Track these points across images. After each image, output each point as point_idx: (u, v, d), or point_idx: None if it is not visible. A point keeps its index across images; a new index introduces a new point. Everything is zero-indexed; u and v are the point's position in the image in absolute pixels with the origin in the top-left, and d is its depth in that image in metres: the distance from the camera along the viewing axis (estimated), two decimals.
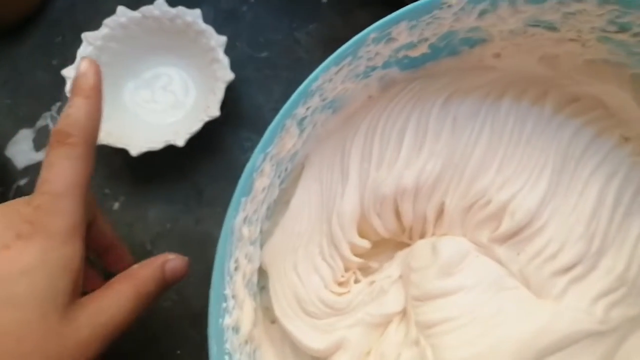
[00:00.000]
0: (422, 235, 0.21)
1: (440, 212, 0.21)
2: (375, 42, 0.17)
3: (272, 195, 0.19)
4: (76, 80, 0.18)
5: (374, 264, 0.21)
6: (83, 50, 0.26)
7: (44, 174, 0.17)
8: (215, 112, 0.25)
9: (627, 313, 0.18)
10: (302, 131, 0.19)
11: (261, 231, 0.19)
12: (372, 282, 0.21)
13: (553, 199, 0.20)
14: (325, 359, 0.19)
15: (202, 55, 0.26)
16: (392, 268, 0.21)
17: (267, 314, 0.20)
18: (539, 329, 0.18)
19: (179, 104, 0.27)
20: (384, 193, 0.20)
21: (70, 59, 0.26)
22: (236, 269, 0.17)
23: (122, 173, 0.27)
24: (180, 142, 0.24)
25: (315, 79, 0.17)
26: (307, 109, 0.18)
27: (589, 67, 0.19)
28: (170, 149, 0.24)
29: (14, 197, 0.27)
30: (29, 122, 0.28)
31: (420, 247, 0.20)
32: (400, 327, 0.20)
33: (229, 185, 0.16)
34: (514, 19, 0.18)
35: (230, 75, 0.25)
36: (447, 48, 0.20)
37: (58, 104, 0.28)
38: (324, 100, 0.18)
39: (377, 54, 0.18)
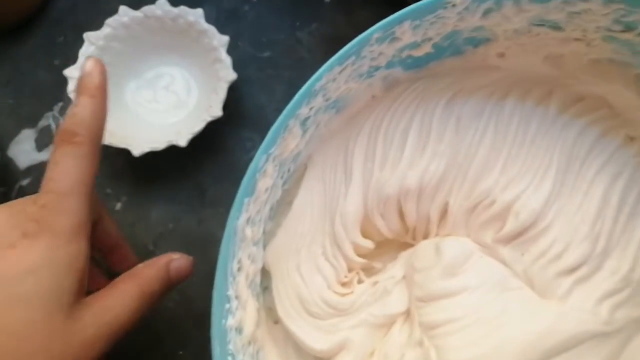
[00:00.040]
0: (425, 236, 0.21)
1: (444, 213, 0.21)
2: (379, 42, 0.17)
3: (274, 196, 0.19)
4: (82, 79, 0.18)
5: (377, 265, 0.21)
6: (85, 50, 0.26)
7: (49, 172, 0.17)
8: (217, 112, 0.25)
9: (632, 314, 0.18)
10: (305, 131, 0.19)
11: (264, 232, 0.19)
12: (375, 283, 0.21)
13: (558, 199, 0.19)
14: None
15: (205, 55, 0.26)
16: (395, 268, 0.21)
17: (270, 315, 0.20)
18: (543, 330, 0.18)
19: (181, 103, 0.27)
20: (387, 193, 0.20)
21: (72, 59, 0.26)
22: (239, 269, 0.17)
23: (124, 173, 0.27)
24: (182, 142, 0.24)
25: (319, 78, 0.17)
26: (311, 109, 0.18)
27: (593, 67, 0.19)
28: (172, 149, 0.24)
29: (16, 198, 0.27)
30: (31, 122, 0.28)
31: (424, 247, 0.20)
32: (404, 327, 0.20)
33: (231, 185, 0.16)
34: (519, 18, 0.18)
35: (232, 75, 0.25)
36: (450, 48, 0.20)
37: (60, 104, 0.28)
38: (327, 100, 0.18)
39: (380, 53, 0.18)
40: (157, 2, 0.26)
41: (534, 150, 0.20)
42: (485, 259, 0.20)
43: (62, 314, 0.16)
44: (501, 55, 0.20)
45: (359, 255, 0.21)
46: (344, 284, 0.21)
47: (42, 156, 0.28)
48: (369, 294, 0.20)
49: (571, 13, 0.17)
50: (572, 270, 0.19)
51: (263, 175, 0.17)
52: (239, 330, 0.17)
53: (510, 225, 0.19)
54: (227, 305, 0.16)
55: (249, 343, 0.18)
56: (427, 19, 0.17)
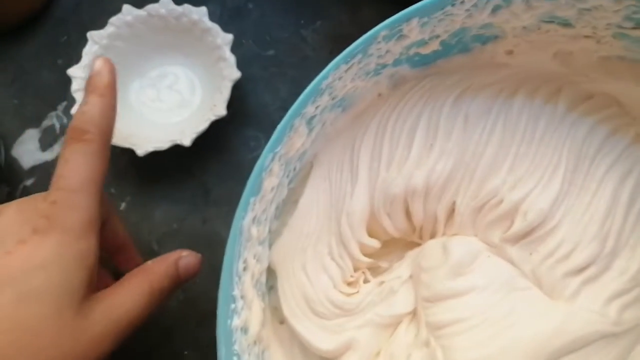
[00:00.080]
0: (432, 235, 0.21)
1: (451, 212, 0.21)
2: (386, 40, 0.17)
3: (280, 195, 0.19)
4: (91, 78, 0.18)
5: (383, 264, 0.21)
6: (88, 50, 0.26)
7: (59, 169, 0.17)
8: (221, 111, 0.25)
9: None
10: (311, 130, 0.18)
11: (270, 231, 0.19)
12: (381, 282, 0.20)
13: (566, 198, 0.19)
14: None
15: (208, 54, 0.26)
16: (402, 268, 0.21)
17: (276, 314, 0.20)
18: (551, 330, 0.18)
19: (186, 102, 0.27)
20: (394, 193, 0.20)
21: (75, 59, 0.26)
22: (245, 269, 0.17)
23: (128, 173, 0.27)
24: (186, 141, 0.24)
25: (325, 77, 0.17)
26: (317, 107, 0.18)
27: (603, 64, 0.19)
28: (176, 149, 0.24)
29: (20, 197, 0.27)
30: (35, 122, 0.28)
31: (431, 247, 0.20)
32: (410, 327, 0.20)
33: (235, 184, 0.16)
34: (528, 15, 0.17)
35: (236, 74, 0.25)
36: (458, 45, 0.19)
37: (64, 103, 0.28)
38: (333, 98, 0.18)
39: (387, 51, 0.18)
40: (160, 1, 0.26)
41: (543, 148, 0.20)
42: (493, 259, 0.20)
43: (72, 310, 0.16)
44: (510, 52, 0.20)
45: (365, 255, 0.20)
46: (350, 284, 0.20)
47: (46, 156, 0.28)
48: (375, 294, 0.20)
49: (581, 10, 0.17)
50: (581, 270, 0.19)
51: (269, 174, 0.17)
52: (245, 330, 0.17)
53: (518, 225, 0.19)
54: (233, 306, 0.16)
55: (255, 343, 0.17)
56: (435, 16, 0.17)
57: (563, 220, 0.19)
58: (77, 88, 0.25)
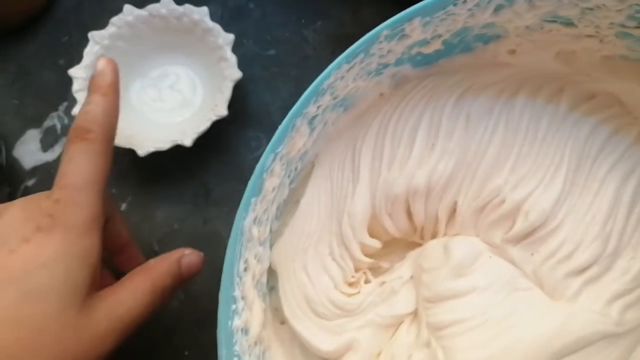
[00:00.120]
0: (434, 235, 0.21)
1: (452, 212, 0.21)
2: (388, 39, 0.17)
3: (282, 195, 0.19)
4: (94, 78, 0.18)
5: (384, 264, 0.21)
6: (90, 50, 0.26)
7: (62, 168, 0.17)
8: (223, 111, 0.25)
9: None
10: (312, 130, 0.18)
11: (271, 231, 0.19)
12: (382, 283, 0.20)
13: (568, 198, 0.19)
14: None
15: (210, 54, 0.26)
16: (403, 268, 0.21)
17: (277, 315, 0.20)
18: (552, 331, 0.18)
19: (187, 103, 0.27)
20: (395, 193, 0.20)
21: (77, 59, 0.26)
22: (245, 269, 0.17)
23: (129, 173, 0.27)
24: (187, 142, 0.24)
25: (327, 77, 0.16)
26: (318, 107, 0.18)
27: (606, 64, 0.19)
28: (177, 149, 0.24)
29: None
30: (36, 123, 0.28)
31: (432, 247, 0.20)
32: (411, 328, 0.19)
33: (237, 184, 0.16)
34: (531, 15, 0.17)
35: (237, 74, 0.25)
36: (461, 44, 0.19)
37: (65, 103, 0.28)
38: (335, 98, 0.18)
39: (389, 51, 0.18)
40: (162, 1, 0.26)
41: (545, 148, 0.20)
42: (494, 259, 0.19)
43: (75, 308, 0.16)
44: (512, 52, 0.20)
45: (366, 255, 0.20)
46: (351, 284, 0.20)
47: (48, 156, 0.28)
48: (376, 294, 0.20)
49: (584, 9, 0.17)
50: (582, 270, 0.19)
51: (270, 174, 0.17)
52: (245, 331, 0.17)
53: (520, 225, 0.19)
54: (234, 306, 0.16)
55: (255, 344, 0.17)
56: (437, 15, 0.17)
57: (565, 220, 0.19)
58: (78, 88, 0.25)
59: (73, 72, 0.25)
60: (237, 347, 0.16)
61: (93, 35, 0.26)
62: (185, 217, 0.26)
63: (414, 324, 0.20)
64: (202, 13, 0.25)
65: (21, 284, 0.15)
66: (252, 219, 0.17)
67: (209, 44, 0.26)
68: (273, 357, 0.19)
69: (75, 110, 0.25)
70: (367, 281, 0.21)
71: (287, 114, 0.16)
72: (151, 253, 0.26)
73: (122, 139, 0.24)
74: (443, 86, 0.20)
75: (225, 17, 0.28)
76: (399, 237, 0.21)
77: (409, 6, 0.16)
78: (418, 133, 0.20)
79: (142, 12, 0.26)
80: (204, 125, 0.24)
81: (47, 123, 0.28)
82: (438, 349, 0.18)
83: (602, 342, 0.18)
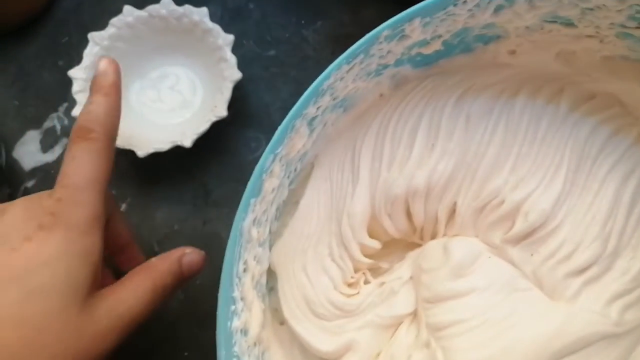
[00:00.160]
0: (433, 236, 0.21)
1: (452, 213, 0.21)
2: (388, 40, 0.17)
3: (281, 196, 0.19)
4: (96, 78, 0.18)
5: (384, 265, 0.21)
6: (89, 51, 0.26)
7: (65, 167, 0.17)
8: (222, 112, 0.24)
9: None
10: (312, 131, 0.18)
11: (270, 232, 0.19)
12: (382, 283, 0.20)
13: (568, 198, 0.19)
14: None
15: (209, 54, 0.26)
16: (402, 269, 0.21)
17: (276, 316, 0.20)
18: (552, 331, 0.18)
19: (187, 103, 0.27)
20: (395, 193, 0.20)
21: (76, 60, 0.26)
22: (245, 271, 0.17)
23: (128, 174, 0.27)
24: (187, 142, 0.24)
25: (327, 77, 0.16)
26: (318, 108, 0.18)
27: (606, 64, 0.19)
28: (177, 150, 0.24)
29: None
30: (36, 124, 0.28)
31: (432, 247, 0.20)
32: (411, 329, 0.19)
33: (236, 185, 0.16)
34: (531, 15, 0.17)
35: (237, 75, 0.25)
36: (461, 45, 0.19)
37: (65, 104, 0.28)
38: (334, 99, 0.18)
39: (389, 51, 0.18)
40: (161, 2, 0.26)
41: (545, 148, 0.20)
42: (494, 260, 0.19)
43: (76, 307, 0.16)
44: (512, 52, 0.20)
45: (366, 256, 0.20)
46: (350, 285, 0.20)
47: (47, 157, 0.28)
48: (375, 295, 0.20)
49: (585, 9, 0.17)
50: (582, 270, 0.19)
51: (270, 175, 0.17)
52: (245, 331, 0.17)
53: (520, 226, 0.19)
54: (233, 307, 0.16)
55: (255, 344, 0.17)
56: (438, 16, 0.17)
57: (565, 220, 0.19)
58: (78, 89, 0.25)
59: (73, 73, 0.25)
60: (236, 348, 0.16)
61: (93, 36, 0.26)
62: (185, 218, 0.26)
63: (414, 325, 0.19)
64: (201, 14, 0.25)
65: (23, 282, 0.16)
66: (251, 220, 0.17)
67: (209, 45, 0.26)
68: (272, 358, 0.19)
69: (75, 111, 0.25)
70: (366, 282, 0.21)
71: (287, 114, 0.16)
72: (151, 254, 0.25)
73: (121, 140, 0.24)
74: (443, 87, 0.20)
75: (225, 18, 0.28)
76: (398, 238, 0.21)
77: (409, 6, 0.16)
78: (418, 133, 0.20)
79: (141, 13, 0.26)
80: (203, 126, 0.24)
81: (47, 124, 0.28)
82: (437, 350, 0.18)
83: (602, 342, 0.18)
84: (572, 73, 0.20)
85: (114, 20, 0.26)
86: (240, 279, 0.17)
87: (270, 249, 0.20)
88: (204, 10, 0.26)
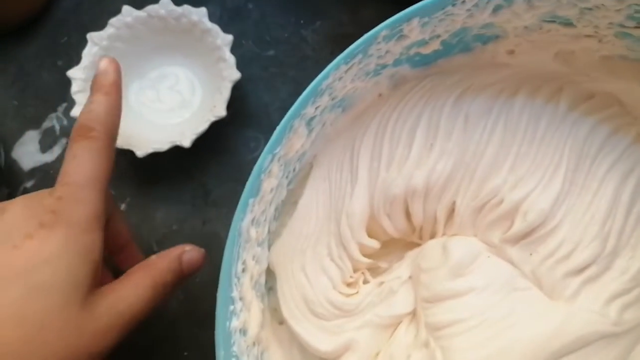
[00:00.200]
0: (432, 236, 0.21)
1: (451, 212, 0.21)
2: (386, 40, 0.17)
3: (280, 196, 0.19)
4: (96, 77, 0.18)
5: (383, 264, 0.21)
6: (88, 51, 0.26)
7: (66, 166, 0.17)
8: (221, 112, 0.25)
9: None
10: (310, 131, 0.18)
11: (269, 232, 0.19)
12: (381, 283, 0.20)
13: (567, 198, 0.19)
14: None
15: (208, 54, 0.26)
16: (401, 268, 0.21)
17: (275, 316, 0.20)
18: (551, 331, 0.18)
19: (186, 103, 0.27)
20: (394, 193, 0.20)
21: (75, 60, 0.26)
22: (244, 270, 0.17)
23: (127, 174, 0.27)
24: (186, 142, 0.24)
25: (326, 77, 0.16)
26: (316, 108, 0.18)
27: (605, 64, 0.19)
28: (176, 150, 0.24)
29: None
30: (35, 124, 0.28)
31: (431, 247, 0.20)
32: (410, 328, 0.19)
33: (235, 185, 0.16)
34: (529, 15, 0.17)
35: (236, 75, 0.25)
36: (459, 45, 0.19)
37: (64, 105, 0.28)
38: (333, 99, 0.18)
39: (387, 51, 0.18)
40: (160, 2, 0.26)
41: (544, 148, 0.20)
42: (493, 259, 0.19)
43: (77, 304, 0.16)
44: (511, 52, 0.20)
45: (365, 255, 0.20)
46: (349, 285, 0.20)
47: (46, 157, 0.28)
48: (374, 295, 0.20)
49: (583, 9, 0.17)
50: (581, 270, 0.19)
51: (268, 175, 0.17)
52: (244, 331, 0.17)
53: (519, 225, 0.19)
54: (232, 307, 0.16)
55: (254, 344, 0.17)
56: (436, 16, 0.17)
57: (564, 220, 0.19)
58: (77, 89, 0.25)
59: (72, 73, 0.25)
60: (235, 348, 0.16)
61: (92, 36, 0.26)
62: (184, 218, 0.26)
63: (413, 324, 0.20)
64: (200, 14, 0.25)
65: (24, 280, 0.16)
66: (250, 220, 0.17)
67: (208, 45, 0.26)
68: (271, 358, 0.19)
69: (74, 112, 0.25)
70: (365, 281, 0.21)
71: (286, 114, 0.16)
72: (150, 254, 0.25)
73: (120, 140, 0.24)
74: (442, 86, 0.20)
75: (224, 18, 0.28)
76: (397, 238, 0.21)
77: (408, 6, 0.16)
78: (417, 133, 0.20)
79: (140, 13, 0.26)
80: (202, 126, 0.24)
81: (46, 124, 0.28)
82: (436, 349, 0.18)
83: (601, 342, 0.18)
84: (571, 73, 0.20)
85: (113, 21, 0.26)
86: (239, 279, 0.17)
87: (269, 248, 0.20)
88: (203, 10, 0.26)
